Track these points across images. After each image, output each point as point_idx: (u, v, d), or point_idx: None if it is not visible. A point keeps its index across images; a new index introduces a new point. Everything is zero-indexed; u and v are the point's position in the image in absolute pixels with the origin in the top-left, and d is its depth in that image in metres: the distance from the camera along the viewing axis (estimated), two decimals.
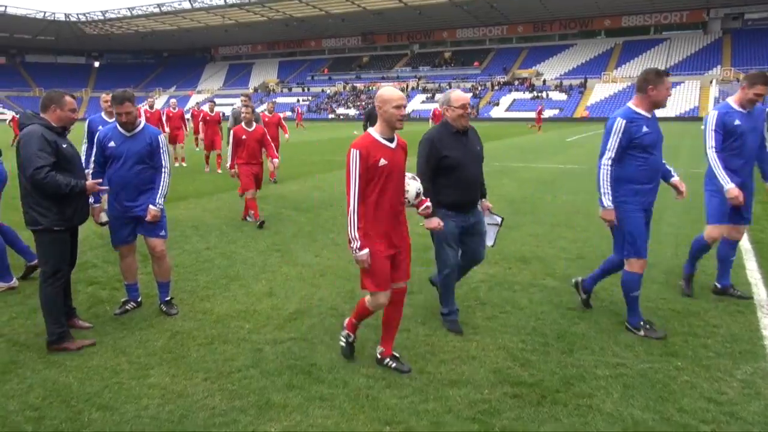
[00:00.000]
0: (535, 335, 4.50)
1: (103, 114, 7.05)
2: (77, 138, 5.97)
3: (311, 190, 12.42)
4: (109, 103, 5.96)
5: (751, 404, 3.48)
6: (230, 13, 71.86)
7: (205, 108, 15.91)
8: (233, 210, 9.93)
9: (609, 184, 4.42)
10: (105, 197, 4.90)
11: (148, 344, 4.38)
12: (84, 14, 76.33)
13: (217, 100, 18.46)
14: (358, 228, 3.68)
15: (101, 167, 4.91)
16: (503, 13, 68.24)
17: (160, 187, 4.98)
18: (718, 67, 58.08)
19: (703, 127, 5.25)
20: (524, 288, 5.66)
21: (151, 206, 4.91)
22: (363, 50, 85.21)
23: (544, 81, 66.71)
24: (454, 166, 4.36)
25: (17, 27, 76.40)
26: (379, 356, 4.05)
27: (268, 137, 9.17)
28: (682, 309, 5.02)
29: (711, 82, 54.63)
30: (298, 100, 75.00)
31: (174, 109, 16.73)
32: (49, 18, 75.76)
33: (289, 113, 47.19)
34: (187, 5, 70.22)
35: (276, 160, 9.82)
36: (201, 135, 15.78)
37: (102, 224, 5.10)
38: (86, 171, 5.12)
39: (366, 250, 3.66)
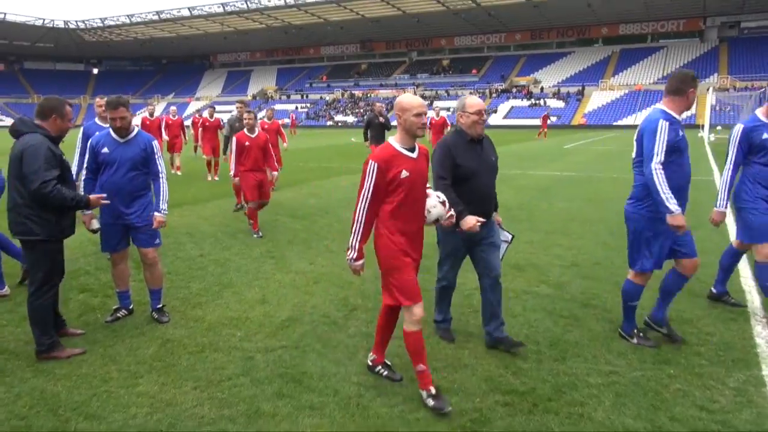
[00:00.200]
0: (527, 343, 4.46)
1: (97, 119, 7.02)
2: (71, 144, 5.97)
3: (307, 197, 12.41)
4: (103, 108, 5.93)
5: (743, 413, 3.46)
6: (229, 20, 72.12)
7: (205, 114, 15.88)
8: (228, 217, 9.91)
9: (668, 186, 4.07)
10: None
11: (138, 352, 4.35)
12: (83, 21, 76.55)
13: (217, 107, 18.40)
14: (359, 240, 3.54)
15: (93, 174, 4.90)
16: (501, 21, 68.54)
17: (161, 194, 4.98)
18: (715, 75, 58.33)
19: (728, 139, 5.14)
20: (518, 295, 5.65)
21: (156, 213, 4.92)
22: (361, 57, 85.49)
23: (542, 88, 66.93)
24: (467, 177, 4.14)
25: (16, 34, 76.57)
26: (370, 363, 4.03)
27: (270, 145, 8.90)
28: (675, 316, 5.00)
29: (708, 90, 54.74)
30: (297, 107, 75.18)
31: (173, 116, 16.70)
32: (48, 25, 75.96)
33: (286, 120, 47.20)
34: (186, 12, 70.53)
35: (275, 173, 9.56)
36: (200, 143, 15.67)
37: (94, 231, 5.08)
38: (79, 179, 5.11)
39: (361, 261, 3.58)
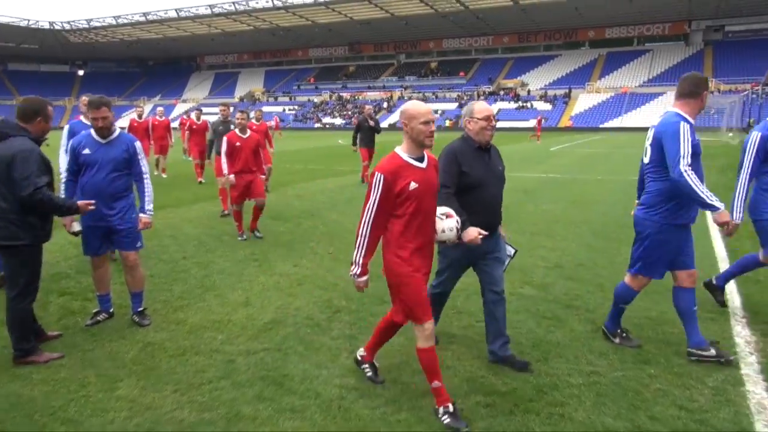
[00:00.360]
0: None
1: (82, 118, 6.93)
2: (54, 144, 5.89)
3: (292, 199, 12.38)
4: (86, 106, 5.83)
5: (721, 411, 3.49)
6: (217, 22, 71.74)
7: (193, 116, 15.70)
8: (213, 219, 9.85)
9: (703, 184, 3.91)
10: None
11: (118, 356, 4.30)
12: (68, 22, 75.72)
13: (204, 109, 18.22)
14: (363, 255, 3.39)
15: (74, 176, 4.85)
16: (489, 24, 68.79)
17: (146, 195, 4.95)
18: None
19: (743, 147, 4.92)
20: None
21: (142, 215, 4.90)
22: (349, 60, 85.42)
23: (529, 91, 67.26)
24: (474, 186, 3.92)
25: (0, 35, 75.68)
26: (359, 358, 3.98)
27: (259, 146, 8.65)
28: (656, 317, 5.04)
29: None
30: (284, 110, 74.97)
31: (160, 117, 16.48)
32: (33, 26, 75.09)
33: (271, 123, 47.06)
34: (173, 14, 70.02)
35: (263, 177, 9.17)
36: (186, 145, 15.47)
37: (75, 234, 5.02)
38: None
39: (365, 278, 3.42)
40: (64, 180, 4.95)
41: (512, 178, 15.63)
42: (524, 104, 63.98)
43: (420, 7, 62.64)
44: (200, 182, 14.73)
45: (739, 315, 5.16)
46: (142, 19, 71.68)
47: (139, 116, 15.19)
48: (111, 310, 5.09)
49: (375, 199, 3.29)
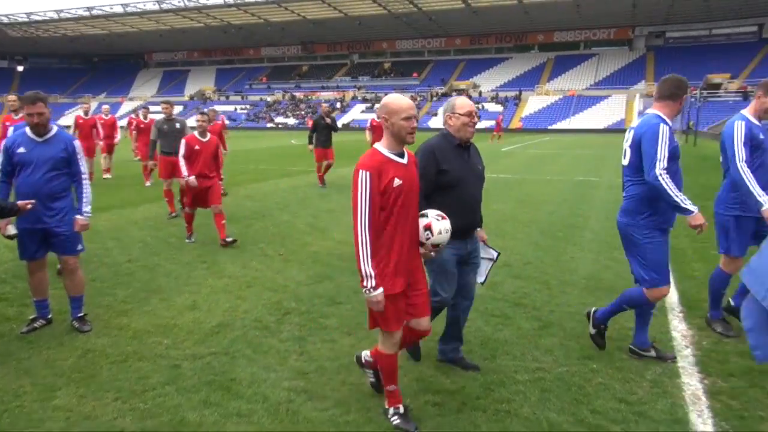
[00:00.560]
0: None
1: (13, 116, 6.64)
2: None
3: (243, 199, 12.18)
4: (14, 103, 5.54)
5: (659, 403, 3.63)
6: (165, 18, 69.92)
7: (140, 115, 15.23)
8: (159, 221, 9.59)
9: (681, 185, 3.90)
10: None
11: (56, 364, 4.13)
12: (6, 15, 72.33)
13: (151, 108, 17.68)
14: (371, 262, 3.12)
15: (8, 177, 4.64)
16: (441, 26, 69.61)
17: (84, 196, 4.76)
18: (642, 82, 61.34)
19: (723, 139, 4.63)
20: None
21: (78, 216, 4.71)
22: (303, 59, 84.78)
23: (481, 93, 68.37)
24: (453, 184, 3.75)
25: None
26: (364, 361, 3.81)
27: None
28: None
29: (635, 96, 57.65)
30: (236, 109, 73.78)
31: (106, 115, 15.88)
32: None
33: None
34: (119, 9, 67.75)
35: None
36: (134, 145, 14.95)
37: (10, 238, 4.79)
38: None
39: (380, 290, 3.13)
40: None
41: None
42: (477, 105, 64.90)
43: (373, 7, 62.81)
44: (147, 185, 14.21)
45: (677, 310, 5.38)
46: (86, 13, 69.15)
47: (86, 113, 14.54)
48: (49, 316, 4.89)
49: (366, 198, 3.09)
